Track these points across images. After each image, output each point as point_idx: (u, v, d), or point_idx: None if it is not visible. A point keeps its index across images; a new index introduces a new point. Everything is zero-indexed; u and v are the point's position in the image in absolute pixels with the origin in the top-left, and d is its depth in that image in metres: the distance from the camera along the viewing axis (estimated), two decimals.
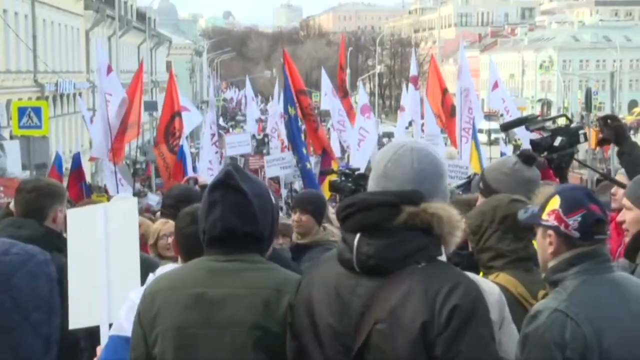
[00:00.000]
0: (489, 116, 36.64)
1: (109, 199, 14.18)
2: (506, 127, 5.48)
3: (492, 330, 2.41)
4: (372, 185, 2.58)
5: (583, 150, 5.80)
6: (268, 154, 22.70)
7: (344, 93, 18.90)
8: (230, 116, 79.18)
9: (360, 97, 19.78)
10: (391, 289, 2.39)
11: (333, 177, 8.17)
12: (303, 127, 15.64)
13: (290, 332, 2.65)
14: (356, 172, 7.74)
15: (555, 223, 2.95)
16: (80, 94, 38.14)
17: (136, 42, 51.66)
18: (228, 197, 2.80)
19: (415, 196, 2.44)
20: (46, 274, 2.10)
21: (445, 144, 18.52)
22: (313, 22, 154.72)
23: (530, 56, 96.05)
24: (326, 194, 11.09)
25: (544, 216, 3.00)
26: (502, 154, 15.48)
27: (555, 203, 2.98)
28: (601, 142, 4.47)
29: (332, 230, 5.63)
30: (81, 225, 3.88)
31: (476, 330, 2.34)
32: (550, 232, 2.98)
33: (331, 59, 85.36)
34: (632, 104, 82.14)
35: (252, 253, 2.83)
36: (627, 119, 61.31)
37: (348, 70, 30.04)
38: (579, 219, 2.92)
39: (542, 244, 3.05)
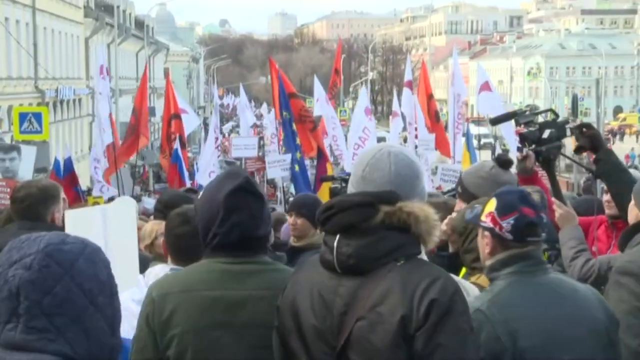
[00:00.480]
0: (477, 121, 36.74)
1: (104, 200, 14.21)
2: (496, 121, 5.49)
3: (471, 324, 2.40)
4: (351, 189, 2.60)
5: (569, 153, 5.75)
6: (264, 156, 22.64)
7: (331, 95, 18.89)
8: (226, 121, 79.18)
9: (362, 99, 19.78)
10: (371, 287, 2.40)
11: (330, 184, 8.11)
12: (296, 130, 15.63)
13: (276, 334, 2.65)
14: None
15: (491, 225, 3.00)
16: (80, 100, 38.15)
17: (134, 49, 51.64)
18: (249, 203, 2.84)
19: (392, 196, 2.46)
20: (102, 260, 2.12)
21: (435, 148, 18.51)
22: (307, 30, 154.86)
23: (519, 63, 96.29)
24: (325, 199, 10.97)
25: (483, 217, 3.05)
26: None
27: (492, 205, 3.03)
28: (577, 150, 4.48)
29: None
30: (79, 226, 3.85)
31: (455, 324, 2.33)
32: (486, 233, 3.03)
33: (325, 65, 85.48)
34: (617, 110, 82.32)
35: (261, 255, 2.89)
36: (612, 124, 61.52)
37: (341, 76, 29.99)
38: (512, 221, 2.96)
39: (481, 244, 3.10)
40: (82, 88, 38.36)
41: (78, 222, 3.93)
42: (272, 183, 19.95)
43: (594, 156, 4.32)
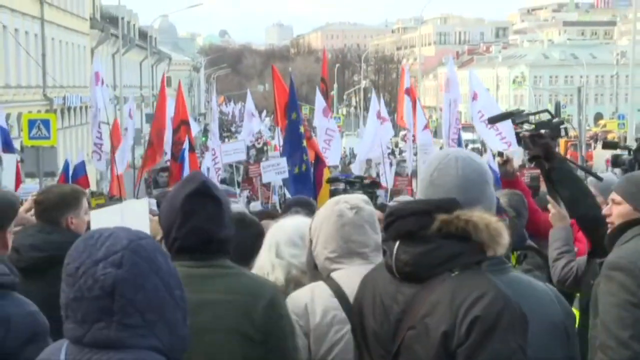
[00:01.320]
0: (465, 127, 36.77)
1: (106, 200, 14.08)
2: (493, 120, 5.46)
3: (520, 342, 2.23)
4: (419, 195, 2.53)
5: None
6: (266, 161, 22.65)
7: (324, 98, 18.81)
8: (226, 127, 79.18)
9: (374, 105, 19.75)
10: (425, 296, 2.32)
11: (329, 187, 8.10)
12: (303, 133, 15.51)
13: (351, 331, 2.66)
14: (364, 180, 7.70)
15: None
16: (86, 107, 38.13)
17: (138, 59, 51.66)
18: (207, 206, 2.75)
19: (450, 204, 2.37)
20: (166, 254, 2.11)
21: (416, 153, 18.52)
22: (303, 40, 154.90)
23: (504, 72, 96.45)
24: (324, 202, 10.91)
25: None
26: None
27: None
28: (532, 159, 4.44)
29: None
30: (103, 225, 3.85)
31: (498, 343, 2.19)
32: None
33: (319, 74, 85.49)
34: (598, 116, 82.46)
35: (222, 259, 2.80)
36: (593, 130, 61.52)
37: (335, 85, 30.09)
38: None
39: None
40: (88, 96, 38.26)
41: (101, 222, 3.85)
42: (267, 186, 19.86)
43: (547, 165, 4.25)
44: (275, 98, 15.53)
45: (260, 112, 73.92)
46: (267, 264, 3.38)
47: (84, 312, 1.98)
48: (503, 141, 15.35)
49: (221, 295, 2.69)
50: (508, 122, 5.23)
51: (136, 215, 3.97)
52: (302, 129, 14.28)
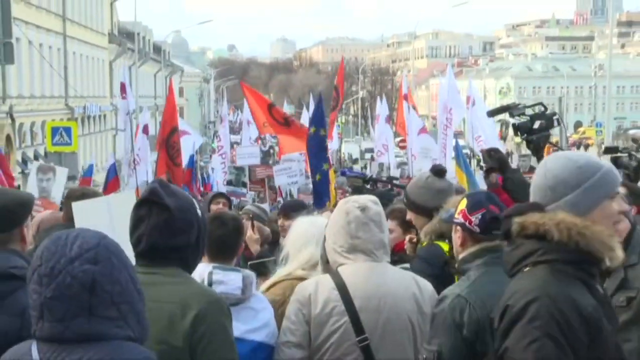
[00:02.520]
0: (456, 134, 36.73)
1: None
2: (492, 114, 5.48)
3: (546, 331, 2.17)
4: (531, 197, 2.50)
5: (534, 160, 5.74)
6: (274, 164, 22.53)
7: (335, 104, 18.64)
8: (235, 134, 79.12)
9: (383, 110, 19.66)
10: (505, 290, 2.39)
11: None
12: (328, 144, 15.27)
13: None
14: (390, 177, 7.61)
15: (462, 220, 3.07)
16: (104, 116, 38.22)
17: (153, 71, 51.72)
18: (153, 213, 2.62)
19: (532, 207, 2.39)
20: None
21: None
22: (305, 54, 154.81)
23: (491, 83, 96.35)
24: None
25: (456, 215, 3.11)
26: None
27: (463, 204, 3.10)
28: (488, 171, 4.51)
29: None
30: (86, 217, 3.75)
31: (521, 331, 2.19)
32: (458, 227, 3.09)
33: (321, 85, 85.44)
34: (577, 124, 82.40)
35: (172, 266, 2.63)
36: (573, 137, 61.50)
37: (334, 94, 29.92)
38: (480, 216, 3.04)
39: (454, 239, 3.14)
40: (106, 105, 38.45)
41: (85, 214, 3.78)
42: (273, 189, 19.78)
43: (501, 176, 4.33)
44: (252, 111, 15.42)
45: None
46: (315, 257, 3.40)
47: (63, 310, 1.93)
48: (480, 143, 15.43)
49: (155, 304, 2.47)
50: (492, 126, 5.24)
51: (124, 209, 3.95)
52: (326, 142, 14.09)
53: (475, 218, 3.05)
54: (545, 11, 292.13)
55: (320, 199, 12.08)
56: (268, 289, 3.43)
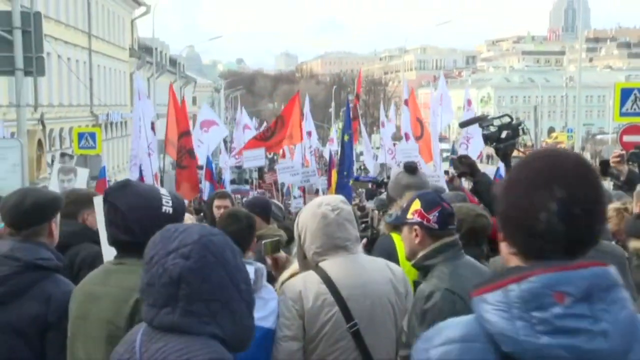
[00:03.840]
0: (440, 138, 36.71)
1: None
2: (464, 125, 5.38)
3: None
4: None
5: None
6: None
7: (354, 116, 18.42)
8: None
9: (382, 116, 19.51)
10: None
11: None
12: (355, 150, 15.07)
13: None
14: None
15: (419, 219, 3.02)
16: (125, 122, 38.22)
17: (169, 82, 51.61)
18: (109, 212, 2.59)
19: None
20: (237, 250, 1.98)
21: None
22: (306, 66, 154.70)
23: (473, 93, 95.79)
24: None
25: (409, 216, 3.06)
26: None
27: (417, 205, 3.05)
28: (460, 175, 4.48)
29: (274, 226, 5.50)
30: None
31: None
32: (415, 227, 3.03)
33: (320, 94, 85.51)
34: (551, 130, 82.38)
35: (132, 257, 2.51)
36: (547, 141, 61.52)
37: (333, 103, 30.03)
38: (437, 214, 3.00)
39: (409, 238, 3.09)
40: (127, 113, 38.37)
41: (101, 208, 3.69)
42: (277, 187, 19.68)
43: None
44: (291, 118, 15.37)
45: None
46: None
47: (154, 297, 1.89)
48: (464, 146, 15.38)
49: (111, 289, 2.50)
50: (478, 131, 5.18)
51: None
52: (354, 147, 13.79)
53: (432, 216, 3.00)
54: (521, 28, 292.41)
55: (348, 195, 11.80)
56: (288, 278, 3.36)
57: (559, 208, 1.47)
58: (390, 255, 3.56)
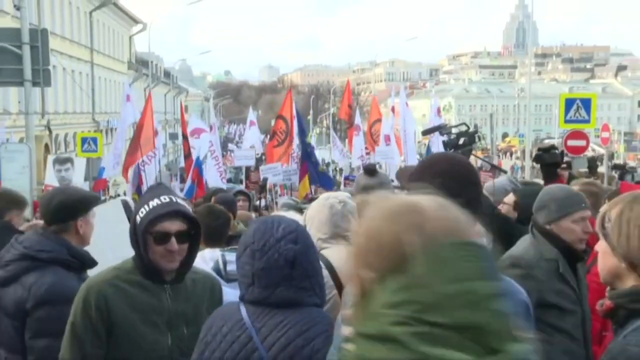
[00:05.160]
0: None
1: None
2: (426, 132, 5.32)
3: None
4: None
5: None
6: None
7: (350, 124, 18.34)
8: (230, 143, 78.70)
9: (384, 129, 19.43)
10: None
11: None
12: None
13: None
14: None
15: None
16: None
17: (163, 92, 51.38)
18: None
19: None
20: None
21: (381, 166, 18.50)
22: (287, 78, 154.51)
23: (436, 102, 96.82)
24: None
25: None
26: None
27: None
28: None
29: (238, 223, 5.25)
30: (105, 219, 3.45)
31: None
32: None
33: (299, 103, 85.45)
34: (505, 135, 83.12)
35: None
36: (501, 145, 62.08)
37: (311, 111, 30.01)
38: None
39: None
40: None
41: (104, 216, 3.45)
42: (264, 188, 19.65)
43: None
44: (291, 114, 15.28)
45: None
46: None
47: (270, 279, 1.96)
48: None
49: None
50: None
51: (111, 213, 3.62)
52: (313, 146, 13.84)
53: None
54: (478, 45, 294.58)
55: (329, 185, 12.02)
56: None
57: None
58: None
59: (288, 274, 1.96)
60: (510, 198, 4.31)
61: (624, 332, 1.57)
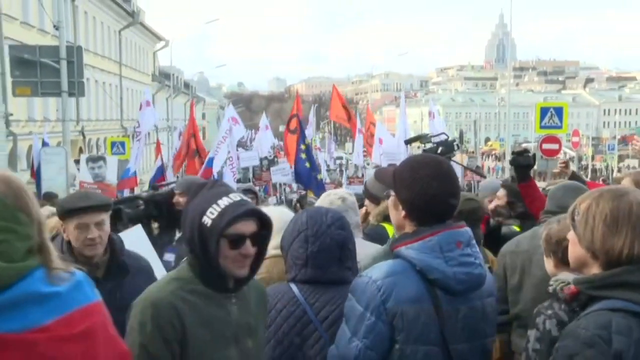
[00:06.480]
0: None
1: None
2: (408, 142, 5.15)
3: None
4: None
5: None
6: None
7: (348, 117, 18.02)
8: (242, 146, 78.54)
9: (378, 133, 19.34)
10: None
11: None
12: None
13: None
14: None
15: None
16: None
17: (183, 101, 51.43)
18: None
19: None
20: None
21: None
22: (293, 88, 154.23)
23: (426, 110, 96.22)
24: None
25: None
26: None
27: None
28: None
29: None
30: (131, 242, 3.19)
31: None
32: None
33: (304, 111, 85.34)
34: (487, 139, 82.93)
35: None
36: (484, 148, 61.97)
37: (315, 119, 29.95)
38: None
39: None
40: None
41: (129, 240, 3.16)
42: (274, 186, 19.59)
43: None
44: (298, 119, 14.87)
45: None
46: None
47: (322, 260, 2.00)
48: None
49: None
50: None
51: (134, 237, 3.45)
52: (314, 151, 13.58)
53: None
54: (463, 59, 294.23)
55: (320, 189, 11.92)
56: None
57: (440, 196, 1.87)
58: (384, 240, 3.51)
59: (337, 256, 2.01)
60: (502, 192, 4.21)
61: (579, 316, 1.56)
